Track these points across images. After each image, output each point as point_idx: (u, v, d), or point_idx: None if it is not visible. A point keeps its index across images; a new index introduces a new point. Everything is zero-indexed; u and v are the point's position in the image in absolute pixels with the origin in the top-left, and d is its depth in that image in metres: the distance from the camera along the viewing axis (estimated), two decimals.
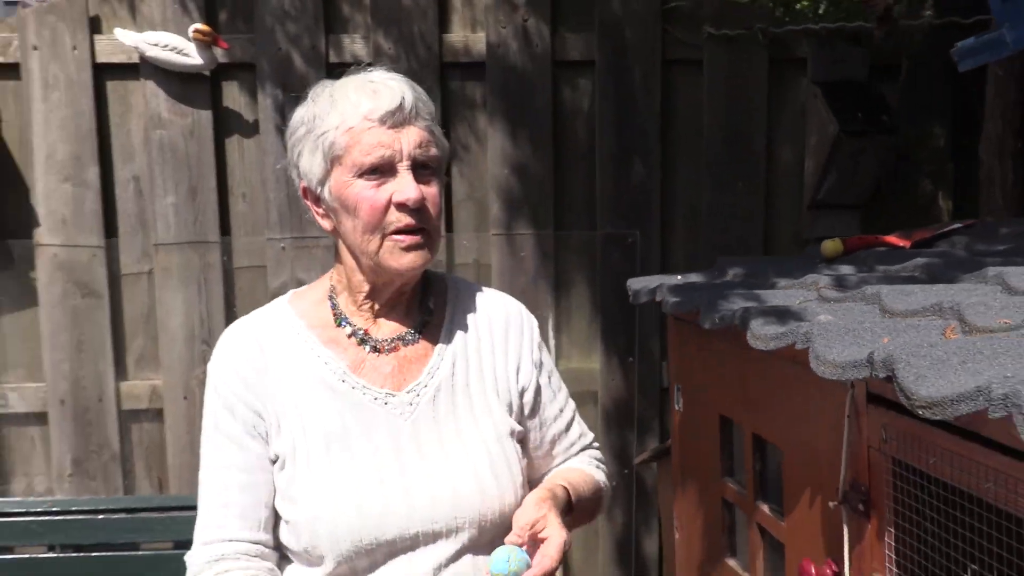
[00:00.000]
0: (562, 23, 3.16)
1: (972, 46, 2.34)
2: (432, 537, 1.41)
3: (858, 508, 1.48)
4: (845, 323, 1.51)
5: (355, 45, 3.09)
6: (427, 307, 1.56)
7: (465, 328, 1.56)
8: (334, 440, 1.43)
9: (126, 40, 2.94)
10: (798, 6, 3.22)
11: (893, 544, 1.41)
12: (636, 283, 2.29)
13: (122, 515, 2.83)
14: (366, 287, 1.49)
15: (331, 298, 1.53)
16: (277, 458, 1.46)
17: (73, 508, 2.85)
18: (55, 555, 2.82)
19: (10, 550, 2.84)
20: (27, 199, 3.05)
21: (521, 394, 1.57)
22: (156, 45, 2.93)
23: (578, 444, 1.68)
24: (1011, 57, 2.58)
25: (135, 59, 3.01)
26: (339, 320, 1.51)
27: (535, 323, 1.65)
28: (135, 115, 3.08)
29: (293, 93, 3.04)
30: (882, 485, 1.42)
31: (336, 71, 3.00)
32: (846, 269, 2.06)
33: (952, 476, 1.24)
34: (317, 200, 1.47)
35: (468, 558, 1.44)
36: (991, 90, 2.72)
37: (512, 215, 3.19)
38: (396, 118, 1.39)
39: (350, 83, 1.44)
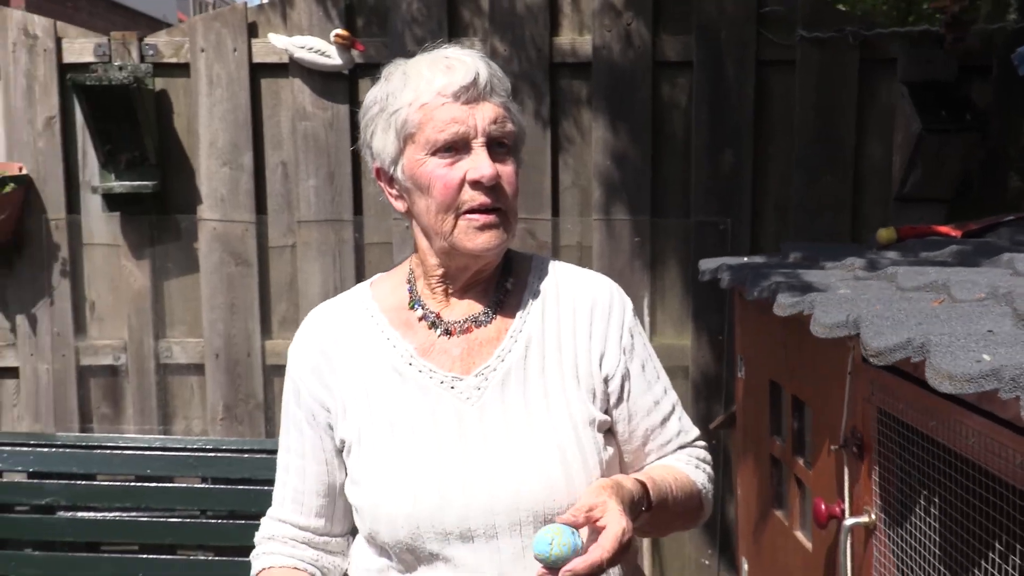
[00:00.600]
0: (662, 26, 3.44)
1: None
2: (492, 530, 1.33)
3: (853, 452, 1.75)
4: (853, 295, 1.78)
5: (474, 47, 3.45)
6: (504, 287, 1.49)
7: (544, 309, 1.47)
8: (399, 425, 1.40)
9: (278, 43, 3.40)
10: (884, 6, 3.37)
11: (877, 480, 1.67)
12: (705, 263, 2.58)
13: (263, 455, 3.29)
14: (440, 271, 1.45)
15: (409, 282, 1.50)
16: (344, 444, 1.45)
17: (223, 447, 3.33)
18: (207, 486, 3.31)
19: (170, 479, 3.35)
20: (192, 180, 3.54)
21: (606, 381, 1.45)
22: (303, 48, 3.36)
23: (676, 441, 1.53)
24: None
25: (285, 60, 3.45)
26: (413, 303, 1.48)
27: (628, 306, 1.53)
28: (284, 108, 3.53)
29: None
30: (871, 431, 1.68)
31: None
32: (890, 254, 2.30)
33: (912, 418, 1.51)
34: (391, 181, 1.44)
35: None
36: None
37: (613, 202, 3.50)
38: (470, 93, 1.35)
39: (423, 60, 1.40)
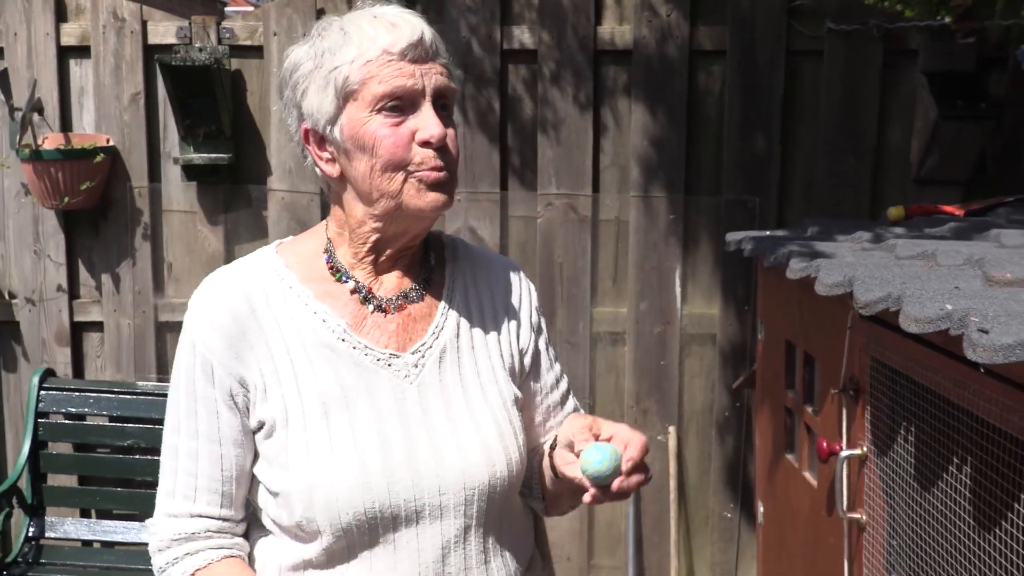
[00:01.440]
0: (699, 18, 3.70)
1: None
2: (439, 510, 1.32)
3: (851, 395, 2.03)
4: (854, 261, 2.06)
5: (523, 35, 3.74)
6: (428, 263, 1.48)
7: (466, 288, 1.49)
8: (332, 403, 1.33)
9: None
10: (906, 12, 3.61)
11: (869, 419, 1.96)
12: (731, 235, 2.86)
13: None
14: (373, 238, 1.38)
15: (328, 251, 1.42)
16: (262, 425, 1.35)
17: None
18: None
19: None
20: (263, 153, 3.86)
21: (521, 357, 1.50)
22: None
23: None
24: None
25: None
26: (339, 275, 1.40)
27: (532, 287, 1.59)
28: None
29: (470, 75, 3.72)
30: (865, 377, 1.97)
31: (508, 57, 3.67)
32: (896, 230, 2.57)
33: (897, 363, 1.79)
34: (321, 142, 1.36)
35: (477, 537, 1.36)
36: None
37: (649, 180, 3.78)
38: (417, 52, 1.31)
39: (361, 17, 1.34)
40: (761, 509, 2.90)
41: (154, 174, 3.89)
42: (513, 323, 1.50)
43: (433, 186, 1.33)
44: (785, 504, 2.67)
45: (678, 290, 3.83)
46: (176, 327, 3.92)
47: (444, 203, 1.34)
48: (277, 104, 3.76)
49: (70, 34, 3.83)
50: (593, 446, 1.24)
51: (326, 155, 1.37)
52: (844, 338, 2.07)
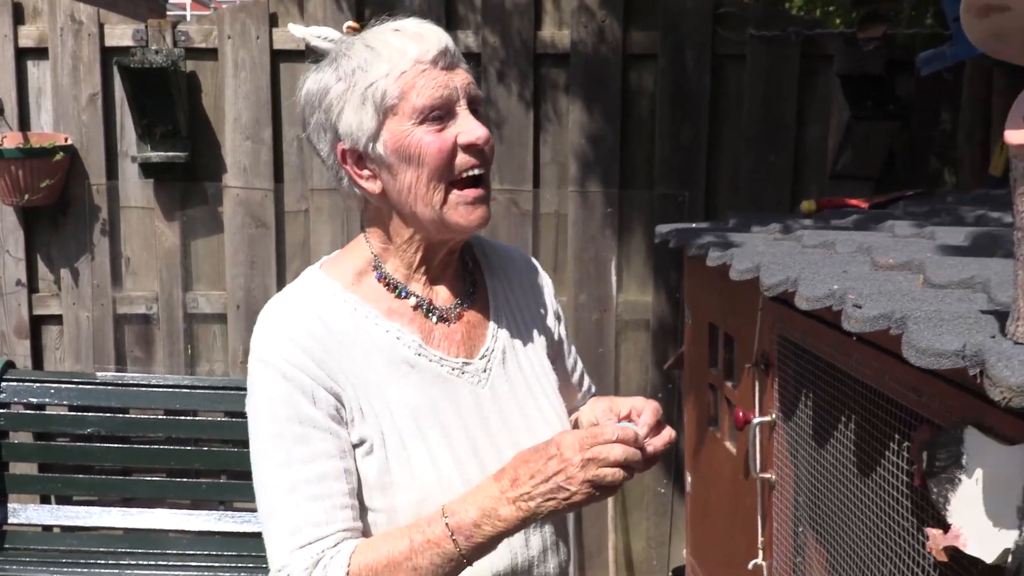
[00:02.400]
0: (632, 23, 3.94)
1: (929, 56, 3.05)
2: None
3: (762, 369, 2.29)
4: (764, 250, 2.31)
5: (468, 39, 3.95)
6: (468, 267, 1.53)
7: (505, 285, 1.55)
8: (423, 417, 1.36)
9: (296, 33, 3.80)
10: (819, 11, 3.88)
11: (777, 389, 2.21)
12: (660, 228, 3.10)
13: None
14: (422, 249, 1.41)
15: (377, 267, 1.43)
16: (361, 443, 1.35)
17: (241, 386, 3.81)
18: (227, 419, 3.82)
19: (195, 413, 3.86)
20: (219, 152, 4.03)
21: (553, 345, 1.60)
22: (318, 37, 3.84)
23: (590, 393, 1.81)
24: (979, 65, 3.27)
25: (303, 47, 3.94)
26: (398, 291, 1.42)
27: (548, 276, 1.66)
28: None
29: None
30: (774, 352, 2.22)
31: None
32: (806, 221, 2.83)
33: (798, 338, 2.05)
34: (360, 160, 1.37)
35: (549, 526, 1.46)
36: (966, 88, 3.40)
37: (586, 176, 4.02)
38: (446, 59, 1.34)
39: (384, 32, 1.37)
40: (689, 480, 3.16)
41: (112, 172, 4.03)
42: (543, 314, 1.59)
43: (474, 202, 1.36)
44: (709, 473, 2.92)
45: (614, 279, 4.08)
46: (134, 319, 4.08)
47: (486, 218, 1.38)
48: (232, 103, 3.95)
49: (28, 36, 3.96)
50: (616, 426, 1.31)
51: (366, 173, 1.37)
52: (756, 318, 2.32)
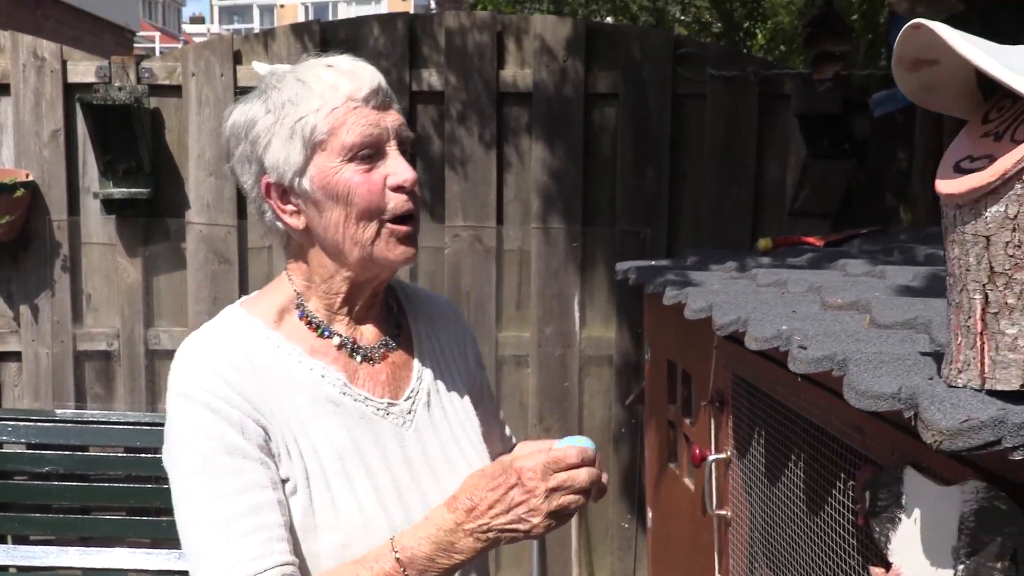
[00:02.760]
0: (594, 63, 4.00)
1: (881, 97, 3.12)
2: None
3: (717, 406, 2.31)
4: (720, 288, 2.35)
5: (431, 77, 3.99)
6: (392, 309, 1.50)
7: (429, 329, 1.53)
8: (348, 458, 1.32)
9: (261, 70, 3.87)
10: (777, 51, 3.97)
11: (732, 426, 2.24)
12: (621, 266, 3.13)
13: None
14: (345, 288, 1.38)
15: (299, 306, 1.39)
16: (286, 482, 1.30)
17: None
18: None
19: (156, 451, 3.83)
20: (182, 188, 4.03)
21: (475, 391, 1.57)
22: None
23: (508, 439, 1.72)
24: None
25: None
26: (320, 330, 1.38)
27: (467, 323, 1.67)
28: None
29: None
30: (728, 390, 2.25)
31: (417, 98, 3.91)
32: (762, 260, 2.88)
33: (750, 377, 2.08)
34: (284, 195, 1.34)
35: (473, 574, 1.44)
36: (918, 128, 3.48)
37: (549, 213, 4.06)
38: (378, 98, 1.32)
39: (315, 67, 1.34)
40: (650, 515, 3.17)
41: (73, 208, 4.02)
42: (467, 360, 1.57)
43: (403, 239, 1.34)
44: (669, 509, 2.94)
45: (577, 315, 4.11)
46: (95, 355, 4.05)
47: (413, 255, 1.37)
48: (196, 140, 3.96)
49: None
50: (566, 439, 1.31)
51: (291, 207, 1.34)
52: (711, 356, 2.35)
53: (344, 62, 1.35)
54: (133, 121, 3.80)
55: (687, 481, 2.73)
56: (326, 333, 1.39)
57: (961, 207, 1.16)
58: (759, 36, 6.57)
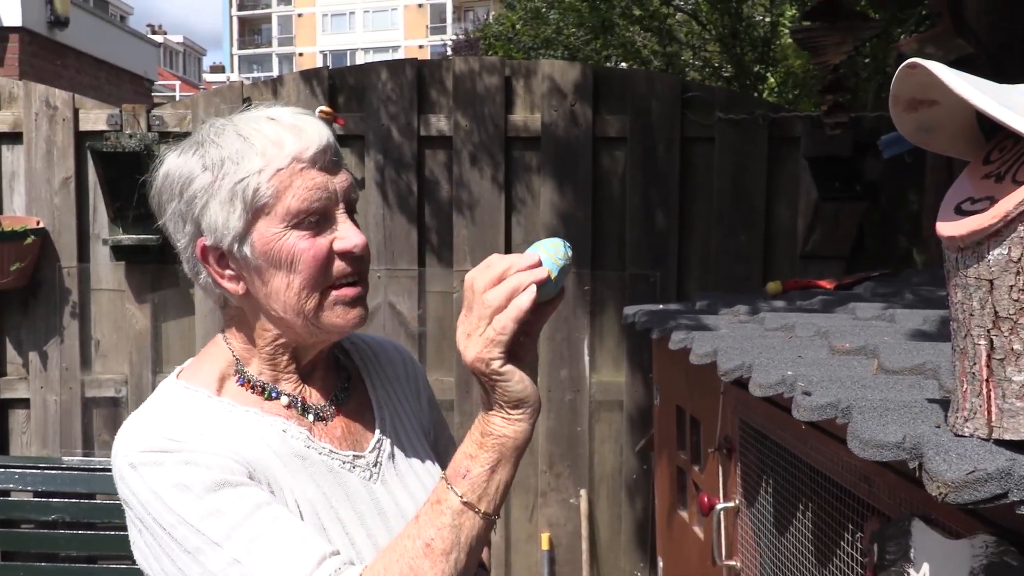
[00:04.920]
0: (602, 106, 4.00)
1: (890, 139, 3.09)
2: None
3: (725, 453, 2.26)
4: (728, 333, 2.31)
5: (440, 122, 4.00)
6: (337, 357, 1.43)
7: (380, 375, 1.47)
8: (323, 513, 1.24)
9: None
10: (790, 95, 3.96)
11: (740, 473, 2.19)
12: (629, 310, 3.10)
13: None
14: (289, 351, 1.30)
15: (239, 372, 1.30)
16: None
17: None
18: None
19: None
20: None
21: (431, 430, 1.52)
22: None
23: None
24: None
25: None
26: (266, 392, 1.30)
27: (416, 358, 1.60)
28: None
29: (390, 158, 3.97)
30: (736, 437, 2.20)
31: (425, 142, 3.92)
32: (776, 303, 2.84)
33: (759, 424, 2.03)
34: (222, 259, 1.25)
35: None
36: (929, 168, 3.45)
37: None
38: (325, 158, 1.24)
39: (256, 120, 1.25)
40: (661, 564, 3.11)
41: (83, 254, 4.03)
42: (418, 400, 1.51)
43: (351, 303, 1.27)
44: (680, 557, 2.88)
45: (587, 359, 4.07)
46: (103, 402, 4.04)
47: (363, 318, 1.28)
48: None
49: (3, 121, 3.99)
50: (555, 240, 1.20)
51: (229, 272, 1.25)
52: (718, 402, 2.30)
53: (287, 116, 1.25)
54: (143, 168, 3.79)
55: (697, 529, 2.67)
56: (273, 394, 1.31)
57: (963, 250, 1.13)
58: (770, 80, 6.57)
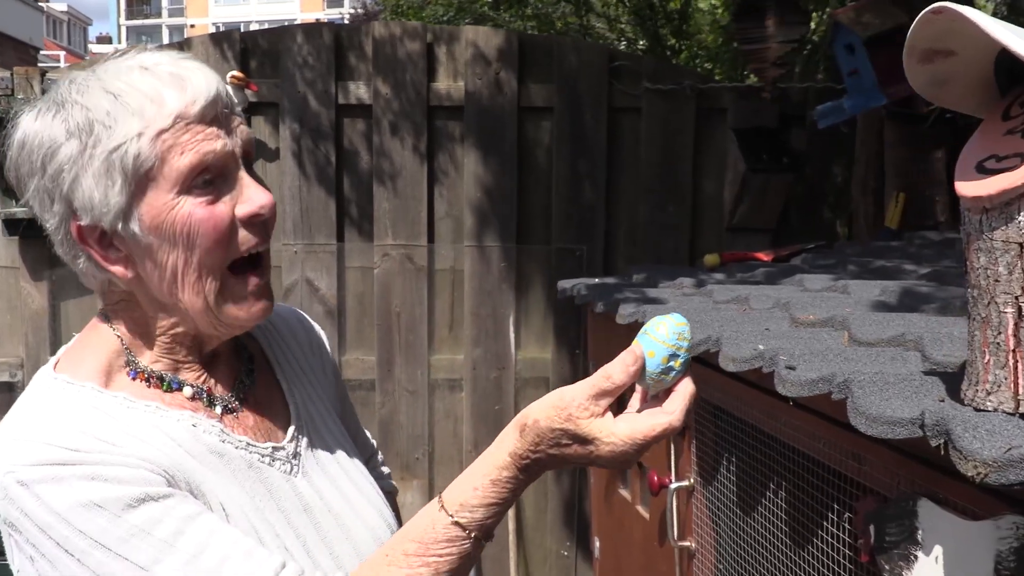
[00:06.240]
0: (528, 75, 3.88)
1: (826, 109, 3.06)
2: None
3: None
4: (677, 306, 2.23)
5: (359, 90, 3.82)
6: (239, 340, 1.22)
7: (285, 350, 1.30)
8: (251, 514, 1.10)
9: None
10: (716, 76, 3.91)
11: (695, 452, 2.12)
12: (564, 283, 3.00)
13: None
14: (188, 339, 1.13)
15: (130, 363, 1.11)
16: None
17: None
18: None
19: None
20: None
21: (338, 403, 1.37)
22: None
23: (375, 453, 1.51)
24: (871, 118, 3.30)
25: None
26: (166, 383, 1.12)
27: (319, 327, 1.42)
28: None
29: (307, 127, 3.78)
30: (690, 414, 2.12)
31: (344, 110, 3.74)
32: (715, 275, 2.78)
33: (718, 399, 1.95)
34: (103, 239, 1.06)
35: None
36: (858, 142, 3.43)
37: (483, 230, 3.91)
38: (216, 109, 1.05)
39: (127, 72, 1.05)
40: (598, 544, 3.03)
41: None
42: (324, 373, 1.35)
43: (258, 292, 1.11)
44: (620, 537, 2.80)
45: (512, 336, 3.97)
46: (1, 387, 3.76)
47: (270, 309, 1.13)
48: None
49: None
50: (649, 322, 1.09)
51: (114, 254, 1.06)
52: None
53: (164, 63, 1.05)
54: None
55: (640, 509, 2.60)
56: (174, 385, 1.12)
57: (989, 211, 1.05)
58: (683, 54, 6.55)
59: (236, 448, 1.12)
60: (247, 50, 3.80)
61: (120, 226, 1.04)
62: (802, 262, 2.90)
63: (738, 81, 3.93)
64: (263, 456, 1.14)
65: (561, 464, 1.06)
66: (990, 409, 1.06)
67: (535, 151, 3.93)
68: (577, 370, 3.95)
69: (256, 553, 1.02)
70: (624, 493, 2.77)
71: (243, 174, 1.07)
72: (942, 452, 1.05)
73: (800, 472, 1.61)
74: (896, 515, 1.23)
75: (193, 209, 1.03)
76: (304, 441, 1.21)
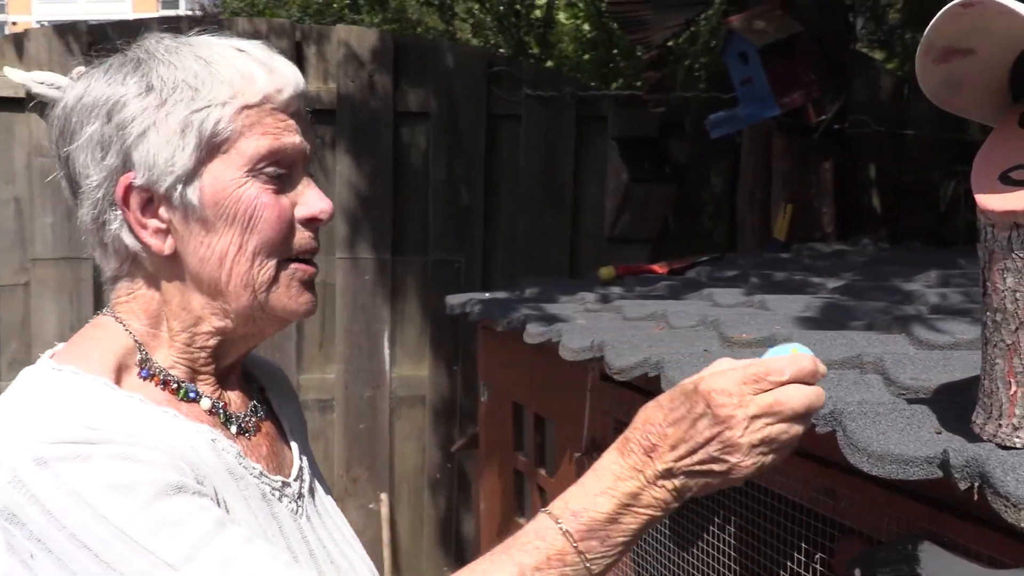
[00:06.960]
0: (403, 78, 3.70)
1: (719, 119, 3.00)
2: None
3: (593, 458, 2.05)
4: (590, 324, 2.09)
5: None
6: (245, 368, 1.16)
7: (278, 394, 1.22)
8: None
9: (15, 78, 3.28)
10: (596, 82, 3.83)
11: None
12: (452, 299, 2.83)
13: None
14: (215, 341, 1.03)
15: (143, 362, 1.00)
16: None
17: None
18: None
19: None
20: None
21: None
22: (42, 83, 3.29)
23: None
24: (758, 128, 3.27)
25: (21, 94, 3.37)
26: (182, 390, 1.02)
27: None
28: (18, 143, 3.44)
29: None
30: (608, 439, 1.99)
31: None
32: (614, 289, 2.66)
33: None
34: (150, 205, 0.98)
35: None
36: (744, 152, 3.41)
37: (357, 240, 3.70)
38: (297, 107, 1.02)
39: (222, 47, 1.00)
40: None
41: None
42: (301, 423, 1.25)
43: (308, 284, 1.03)
44: None
45: (387, 352, 3.76)
46: None
47: (315, 306, 1.06)
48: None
49: None
50: (773, 349, 1.01)
51: (155, 224, 0.98)
52: (583, 401, 2.08)
53: (257, 51, 1.01)
54: None
55: None
56: (192, 394, 1.01)
57: (1020, 227, 0.95)
58: (547, 64, 6.49)
59: (251, 475, 1.02)
60: (95, 44, 3.46)
61: (178, 191, 0.97)
62: (699, 275, 2.82)
63: (607, 89, 3.85)
64: (274, 489, 1.04)
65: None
66: (1018, 446, 0.96)
67: (411, 157, 3.74)
68: (455, 386, 3.79)
69: (294, 571, 0.91)
70: (522, 521, 2.61)
71: (306, 178, 1.04)
72: (975, 496, 0.94)
73: (751, 504, 1.49)
74: (890, 560, 1.12)
75: (260, 194, 0.98)
76: (306, 485, 1.12)
